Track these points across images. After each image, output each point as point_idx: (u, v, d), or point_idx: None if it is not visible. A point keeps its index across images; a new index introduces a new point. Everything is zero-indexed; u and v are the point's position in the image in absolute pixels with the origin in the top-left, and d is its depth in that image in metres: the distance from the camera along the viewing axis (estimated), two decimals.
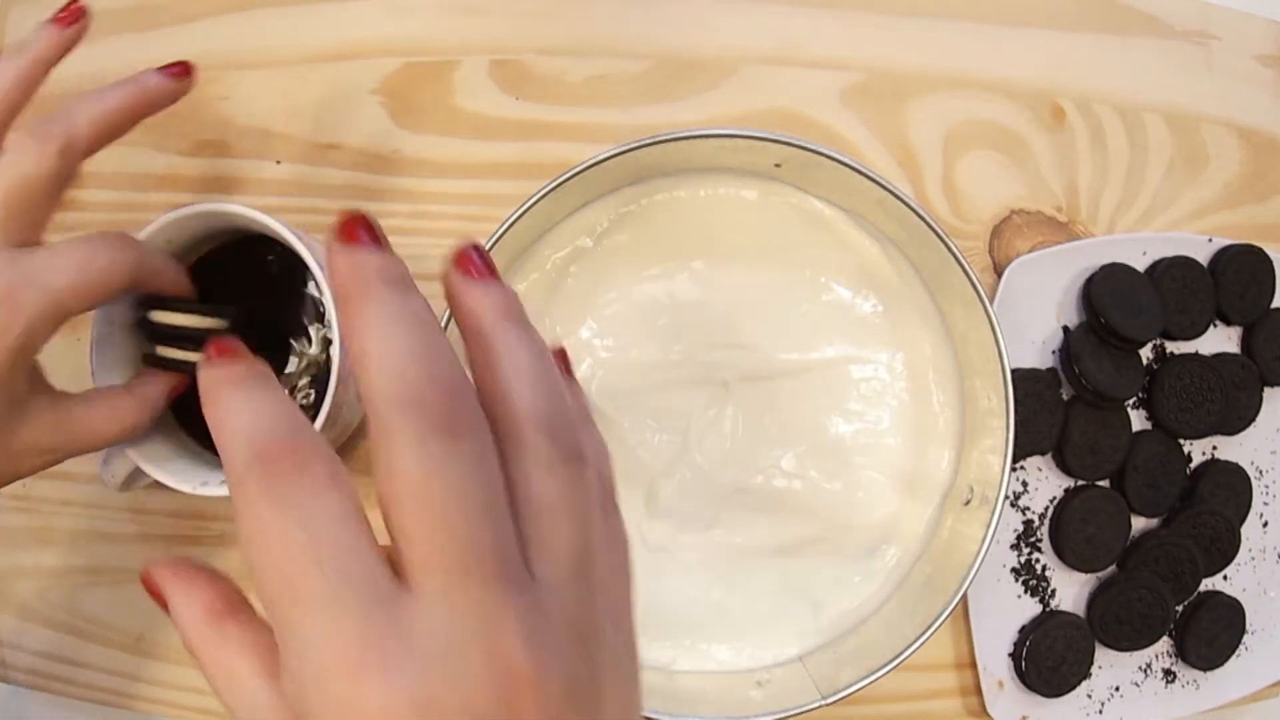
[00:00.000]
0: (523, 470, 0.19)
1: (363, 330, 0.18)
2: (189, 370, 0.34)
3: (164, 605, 0.20)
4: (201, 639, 0.19)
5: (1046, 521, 0.43)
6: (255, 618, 0.19)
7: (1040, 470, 0.43)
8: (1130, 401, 0.44)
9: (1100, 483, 0.44)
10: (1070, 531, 0.43)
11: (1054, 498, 0.44)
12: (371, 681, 0.16)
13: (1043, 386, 0.42)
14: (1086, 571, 0.43)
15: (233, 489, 0.17)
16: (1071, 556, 0.43)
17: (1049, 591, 0.43)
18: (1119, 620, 0.43)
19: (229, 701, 0.18)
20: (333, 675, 0.16)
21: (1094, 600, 0.43)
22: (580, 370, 0.39)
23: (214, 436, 0.18)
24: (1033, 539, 0.43)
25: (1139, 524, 0.44)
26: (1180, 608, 0.45)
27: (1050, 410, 0.42)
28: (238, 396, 0.18)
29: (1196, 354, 0.44)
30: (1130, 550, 0.44)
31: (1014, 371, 0.37)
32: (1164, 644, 0.45)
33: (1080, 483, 0.44)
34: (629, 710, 0.19)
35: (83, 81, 0.44)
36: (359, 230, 0.19)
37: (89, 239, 0.31)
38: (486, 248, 0.33)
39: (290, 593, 0.16)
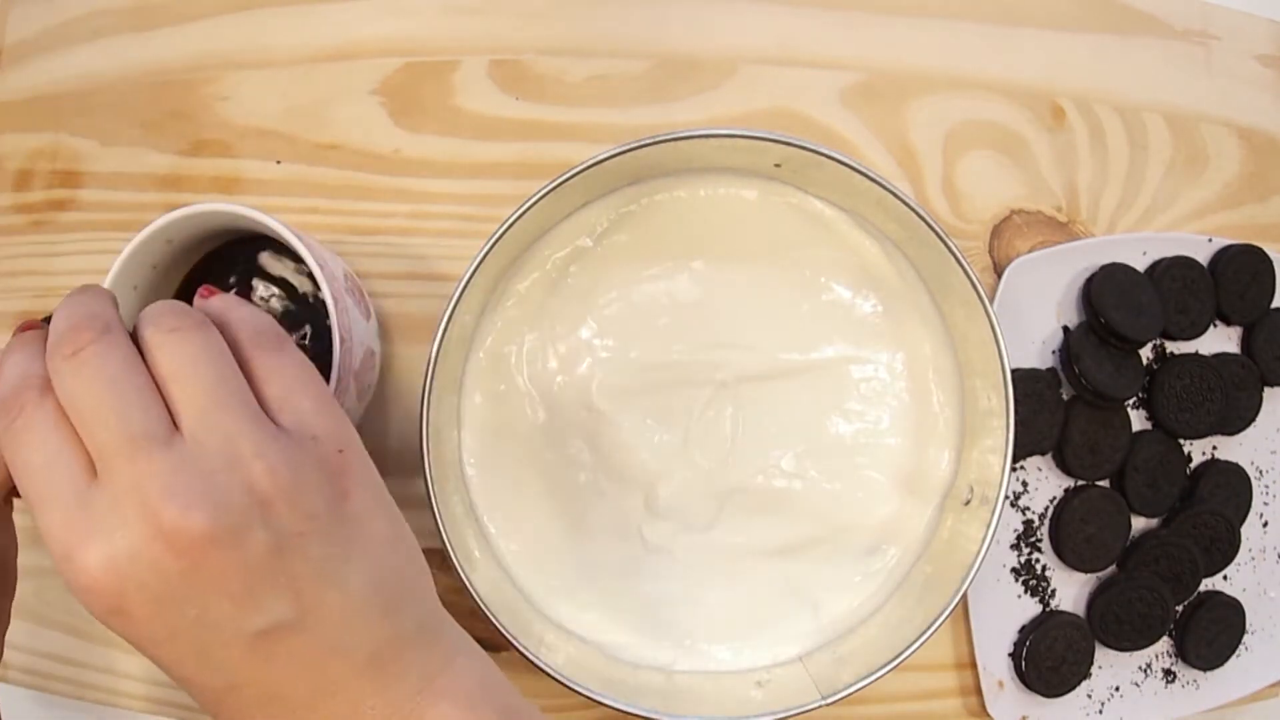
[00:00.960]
0: (148, 354, 0.24)
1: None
2: None
3: None
4: None
5: (1046, 521, 0.43)
6: None
7: (1040, 470, 0.43)
8: (1130, 401, 0.44)
9: (1100, 483, 0.44)
10: (1070, 531, 0.43)
11: (1054, 498, 0.44)
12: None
13: (1043, 386, 0.42)
14: (1086, 571, 0.43)
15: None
16: (1071, 556, 0.43)
17: (1049, 591, 0.43)
18: (1119, 620, 0.43)
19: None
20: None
21: (1094, 600, 0.43)
22: (580, 370, 0.39)
23: None
24: (1033, 539, 0.43)
25: (1139, 524, 0.44)
26: (1180, 608, 0.45)
27: (1050, 410, 0.42)
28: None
29: (1196, 354, 0.44)
30: (1130, 550, 0.44)
31: (1014, 371, 0.37)
32: (1164, 644, 0.45)
33: (1080, 483, 0.44)
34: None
35: (82, 82, 0.44)
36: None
37: None
38: (487, 249, 0.34)
39: None
